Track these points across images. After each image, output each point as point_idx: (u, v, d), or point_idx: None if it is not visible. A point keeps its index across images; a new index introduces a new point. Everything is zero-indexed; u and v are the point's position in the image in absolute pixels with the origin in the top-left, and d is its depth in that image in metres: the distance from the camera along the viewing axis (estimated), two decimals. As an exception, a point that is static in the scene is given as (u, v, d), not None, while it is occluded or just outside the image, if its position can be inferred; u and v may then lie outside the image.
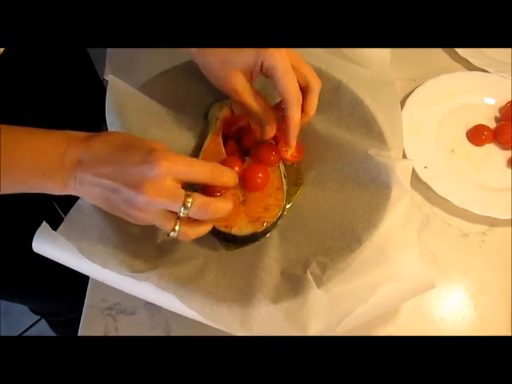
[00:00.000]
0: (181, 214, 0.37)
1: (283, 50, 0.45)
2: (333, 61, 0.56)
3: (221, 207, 0.39)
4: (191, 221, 0.39)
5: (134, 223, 0.40)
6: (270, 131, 0.49)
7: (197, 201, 0.37)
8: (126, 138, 0.40)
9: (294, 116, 0.46)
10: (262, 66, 0.45)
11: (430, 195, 0.57)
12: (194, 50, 0.48)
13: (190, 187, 0.39)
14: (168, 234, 0.39)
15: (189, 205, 0.37)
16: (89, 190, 0.38)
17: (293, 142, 0.48)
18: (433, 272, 0.52)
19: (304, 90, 0.47)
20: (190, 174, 0.38)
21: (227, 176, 0.41)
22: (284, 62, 0.44)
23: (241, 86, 0.46)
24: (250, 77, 0.47)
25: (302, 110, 0.47)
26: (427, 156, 0.59)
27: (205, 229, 0.41)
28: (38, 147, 0.38)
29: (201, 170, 0.39)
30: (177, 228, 0.38)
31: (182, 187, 0.38)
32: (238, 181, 0.43)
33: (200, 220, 0.39)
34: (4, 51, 0.52)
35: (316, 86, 0.48)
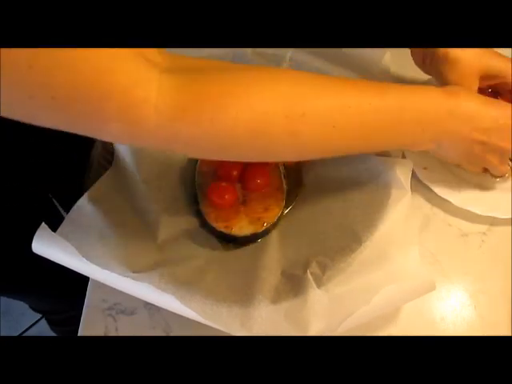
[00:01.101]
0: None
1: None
2: (333, 62, 0.56)
3: None
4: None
5: (464, 165, 0.49)
6: None
7: None
8: (483, 98, 0.44)
9: None
10: (489, 67, 0.48)
11: (429, 196, 0.57)
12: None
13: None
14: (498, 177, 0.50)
15: None
16: (454, 143, 0.44)
17: None
18: (433, 272, 0.52)
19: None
20: None
21: None
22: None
23: (478, 86, 0.49)
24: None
25: None
26: (426, 157, 0.59)
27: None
28: (418, 99, 0.41)
29: None
30: (508, 173, 0.50)
31: None
32: None
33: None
34: None
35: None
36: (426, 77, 0.66)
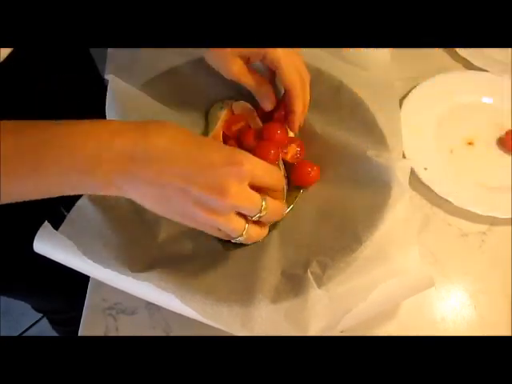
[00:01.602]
0: (255, 218, 0.37)
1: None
2: (333, 62, 0.56)
3: (283, 208, 0.43)
4: (256, 224, 0.39)
5: (183, 223, 0.37)
6: (269, 104, 0.50)
7: (270, 204, 0.38)
8: (187, 132, 0.36)
9: (298, 106, 0.48)
10: (264, 57, 0.46)
11: (430, 196, 0.57)
12: None
13: None
14: (235, 239, 0.39)
15: (264, 208, 0.37)
16: (142, 189, 0.34)
17: (297, 129, 0.50)
18: (433, 272, 0.52)
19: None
20: (265, 178, 0.37)
21: (283, 183, 0.45)
22: (286, 55, 0.46)
23: (235, 67, 0.48)
24: (248, 60, 0.48)
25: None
26: (427, 157, 0.59)
27: (265, 231, 0.42)
28: (76, 140, 0.33)
29: (275, 174, 0.40)
30: (245, 230, 0.37)
31: None
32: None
33: (261, 223, 0.40)
34: (10, 52, 0.52)
35: (307, 78, 0.50)
36: (427, 76, 0.66)
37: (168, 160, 0.34)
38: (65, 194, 0.35)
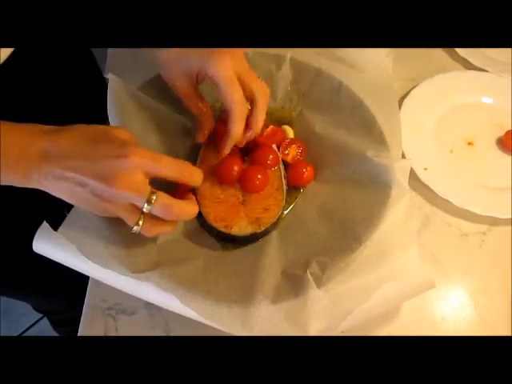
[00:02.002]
0: (144, 210, 0.38)
1: (228, 58, 0.44)
2: (332, 63, 0.56)
3: (186, 211, 0.41)
4: (155, 218, 0.40)
5: (100, 215, 0.41)
6: (200, 136, 0.50)
7: (161, 199, 0.39)
8: (94, 130, 0.40)
9: (234, 129, 0.45)
10: (206, 73, 0.45)
11: (430, 196, 0.57)
12: (155, 50, 0.49)
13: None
14: (132, 228, 0.40)
15: (152, 201, 0.38)
16: (54, 183, 0.39)
17: (225, 151, 0.48)
18: (433, 272, 0.52)
19: (251, 104, 0.47)
20: (158, 169, 0.39)
21: (196, 176, 0.42)
22: (227, 71, 0.44)
23: (182, 88, 0.48)
24: (196, 79, 0.48)
25: (247, 125, 0.47)
26: (427, 157, 0.59)
27: (167, 228, 0.42)
28: (5, 140, 0.38)
29: (169, 166, 0.40)
30: (140, 223, 0.39)
31: (150, 184, 0.39)
32: (205, 182, 0.45)
33: (163, 219, 0.40)
34: (12, 52, 0.52)
35: (262, 98, 0.46)
36: (427, 76, 0.66)
37: (69, 157, 0.38)
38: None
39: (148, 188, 0.38)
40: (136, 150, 0.38)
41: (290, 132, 0.55)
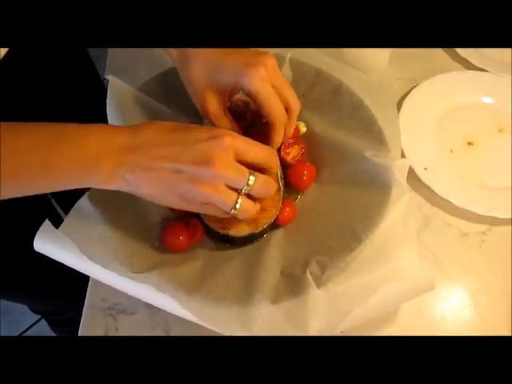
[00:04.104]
0: (244, 190, 0.39)
1: (263, 71, 0.42)
2: (333, 63, 0.56)
3: (274, 184, 0.42)
4: (250, 198, 0.40)
5: (188, 210, 0.40)
6: None
7: (259, 178, 0.39)
8: (170, 123, 0.40)
9: (276, 140, 0.46)
10: (242, 88, 0.43)
11: (430, 196, 0.57)
12: (177, 60, 0.46)
13: None
14: (229, 211, 0.39)
15: (252, 181, 0.39)
16: (142, 176, 0.37)
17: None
18: (433, 272, 0.52)
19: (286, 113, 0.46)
20: (250, 152, 0.39)
21: (277, 162, 0.43)
22: (265, 86, 0.42)
23: (212, 107, 0.45)
24: (227, 96, 0.46)
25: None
26: (427, 157, 0.59)
27: (258, 207, 0.42)
28: (80, 139, 0.36)
29: (261, 150, 0.40)
30: (239, 202, 0.39)
31: None
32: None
33: (253, 197, 0.41)
34: (7, 52, 0.52)
35: (296, 107, 0.47)
36: (427, 76, 0.66)
37: (158, 146, 0.37)
38: (70, 188, 0.38)
39: (245, 168, 0.39)
40: (227, 132, 0.38)
41: (303, 128, 0.55)
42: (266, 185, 0.40)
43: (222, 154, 0.37)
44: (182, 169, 0.37)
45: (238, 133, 0.46)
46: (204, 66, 0.44)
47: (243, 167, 0.39)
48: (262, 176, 0.40)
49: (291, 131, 0.48)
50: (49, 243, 0.42)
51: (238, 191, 0.39)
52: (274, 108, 0.44)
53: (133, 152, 0.37)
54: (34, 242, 0.41)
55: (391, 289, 0.41)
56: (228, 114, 0.46)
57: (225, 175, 0.37)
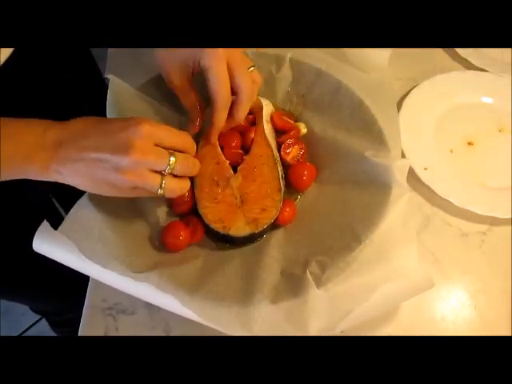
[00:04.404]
0: (167, 171, 0.40)
1: (221, 50, 0.45)
2: (332, 63, 0.56)
3: (195, 161, 0.44)
4: (175, 178, 0.42)
5: (121, 196, 0.41)
6: (192, 128, 0.51)
7: (180, 157, 0.41)
8: (104, 118, 0.42)
9: (216, 119, 0.47)
10: (199, 64, 0.46)
11: (430, 196, 0.57)
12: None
13: None
14: (156, 193, 0.41)
15: (172, 162, 0.40)
16: (73, 168, 0.39)
17: (212, 140, 0.50)
18: (433, 272, 0.52)
19: (235, 93, 0.48)
20: (166, 137, 0.41)
21: (193, 144, 0.45)
22: (219, 63, 0.45)
23: (176, 80, 0.49)
24: (191, 71, 0.48)
25: (229, 114, 0.48)
26: (427, 157, 0.59)
27: (186, 184, 0.44)
28: (18, 132, 0.39)
29: (176, 134, 0.42)
30: (164, 183, 0.40)
31: None
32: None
33: (180, 177, 0.42)
34: (12, 53, 0.52)
35: (246, 91, 0.47)
36: (427, 76, 0.66)
37: (84, 137, 0.39)
38: (7, 179, 0.40)
39: (165, 151, 0.40)
40: (145, 119, 0.40)
41: (304, 129, 0.55)
42: (186, 163, 0.42)
43: (139, 140, 0.39)
44: (105, 158, 0.38)
45: (201, 106, 0.50)
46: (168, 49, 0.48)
47: (163, 150, 0.40)
48: (182, 155, 0.42)
49: (241, 116, 0.49)
50: (48, 244, 0.42)
51: (161, 173, 0.40)
52: (219, 85, 0.45)
53: (63, 145, 0.39)
54: (33, 243, 0.41)
55: (390, 288, 0.41)
56: (193, 88, 0.50)
57: (144, 161, 0.39)
